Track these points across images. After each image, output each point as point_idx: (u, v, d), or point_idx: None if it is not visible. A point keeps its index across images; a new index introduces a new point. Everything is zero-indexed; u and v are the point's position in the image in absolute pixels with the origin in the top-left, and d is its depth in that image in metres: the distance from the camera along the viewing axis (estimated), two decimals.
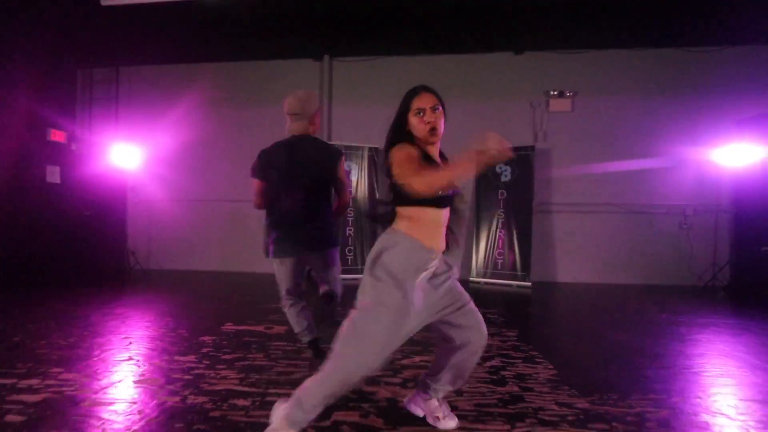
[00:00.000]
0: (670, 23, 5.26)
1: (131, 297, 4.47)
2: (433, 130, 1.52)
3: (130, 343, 2.79)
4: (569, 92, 5.91)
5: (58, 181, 6.40)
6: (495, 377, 2.28)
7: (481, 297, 4.60)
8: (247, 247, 6.44)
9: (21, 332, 2.96)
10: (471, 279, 5.73)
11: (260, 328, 3.19)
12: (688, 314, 3.91)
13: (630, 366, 2.49)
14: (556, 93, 5.91)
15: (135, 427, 1.69)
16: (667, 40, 5.67)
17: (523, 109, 6.02)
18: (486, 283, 5.59)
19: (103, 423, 1.72)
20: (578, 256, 5.91)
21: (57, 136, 6.38)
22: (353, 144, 6.01)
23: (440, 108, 1.55)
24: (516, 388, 2.13)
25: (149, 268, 6.52)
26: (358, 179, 5.95)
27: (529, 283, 5.36)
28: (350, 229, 5.91)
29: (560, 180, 5.95)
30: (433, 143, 1.56)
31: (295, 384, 2.10)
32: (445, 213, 1.55)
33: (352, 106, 6.33)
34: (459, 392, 2.05)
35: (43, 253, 6.02)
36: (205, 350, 2.66)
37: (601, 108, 5.92)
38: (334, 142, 6.05)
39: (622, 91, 5.88)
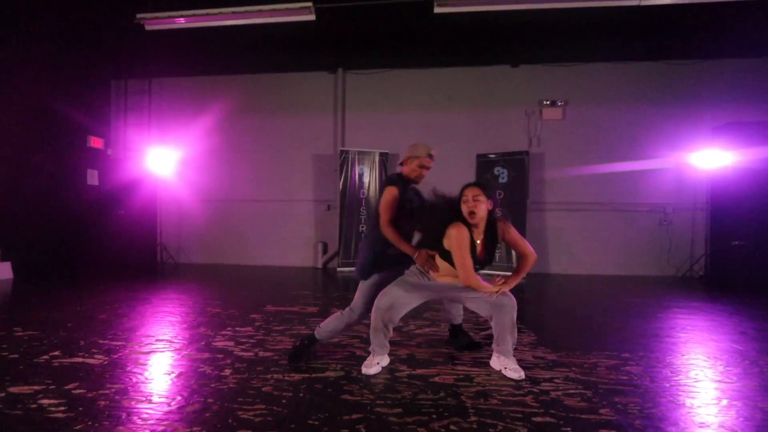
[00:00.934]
0: (653, 39, 5.85)
1: (173, 286, 5.12)
2: (471, 213, 2.21)
3: (199, 322, 3.45)
4: (561, 102, 6.53)
5: (96, 183, 7.09)
6: (488, 342, 2.93)
7: None
8: (266, 242, 7.10)
9: (105, 312, 3.62)
10: None
11: (296, 309, 3.84)
12: (664, 300, 4.55)
13: (598, 336, 3.13)
14: (548, 102, 6.53)
15: (229, 370, 2.34)
16: (650, 53, 6.27)
17: (519, 117, 6.64)
18: (484, 274, 6.21)
19: (202, 362, 2.37)
20: (569, 250, 6.55)
21: (95, 142, 7.06)
22: (365, 149, 6.65)
23: (481, 197, 2.22)
24: None
25: (179, 262, 7.19)
26: (369, 181, 6.59)
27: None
28: (363, 227, 6.56)
29: (552, 181, 6.57)
30: (473, 224, 2.24)
31: (337, 345, 2.77)
32: None
33: (363, 115, 6.96)
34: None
35: (86, 247, 6.71)
36: (257, 324, 3.31)
37: (590, 116, 6.53)
38: (348, 147, 6.69)
39: (609, 100, 6.50)
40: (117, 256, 6.76)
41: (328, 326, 2.52)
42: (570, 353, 2.67)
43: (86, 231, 6.71)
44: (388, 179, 2.57)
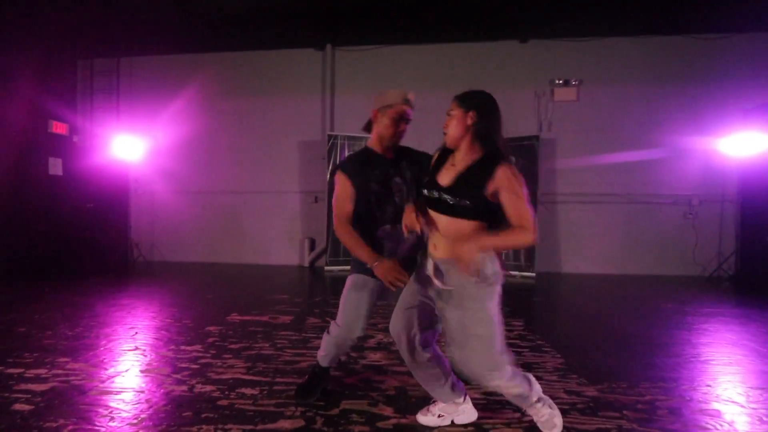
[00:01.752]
0: (676, 10, 5.17)
1: (136, 288, 4.47)
2: (444, 133, 1.55)
3: (136, 333, 2.79)
4: (575, 81, 5.85)
5: (60, 173, 6.39)
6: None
7: None
8: (247, 238, 6.44)
9: (27, 323, 2.97)
10: None
11: (265, 318, 3.18)
12: (694, 304, 3.90)
13: (637, 354, 2.48)
14: (561, 82, 5.84)
15: (143, 416, 1.69)
16: (673, 27, 5.58)
17: (528, 98, 5.95)
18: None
19: (110, 412, 1.72)
20: (583, 246, 5.89)
21: (58, 128, 6.36)
22: (356, 135, 5.97)
23: (455, 110, 1.54)
24: None
25: (152, 260, 6.53)
26: None
27: (533, 274, 5.35)
28: None
29: (565, 170, 5.90)
30: (450, 146, 1.57)
31: (303, 372, 2.11)
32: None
33: (355, 96, 6.27)
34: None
35: (47, 245, 6.03)
36: (211, 340, 2.66)
37: (607, 97, 5.85)
38: (337, 133, 6.01)
39: (629, 79, 5.81)
40: (82, 255, 6.09)
41: (322, 348, 1.91)
42: (613, 385, 2.01)
43: (48, 226, 6.04)
44: (339, 164, 1.85)
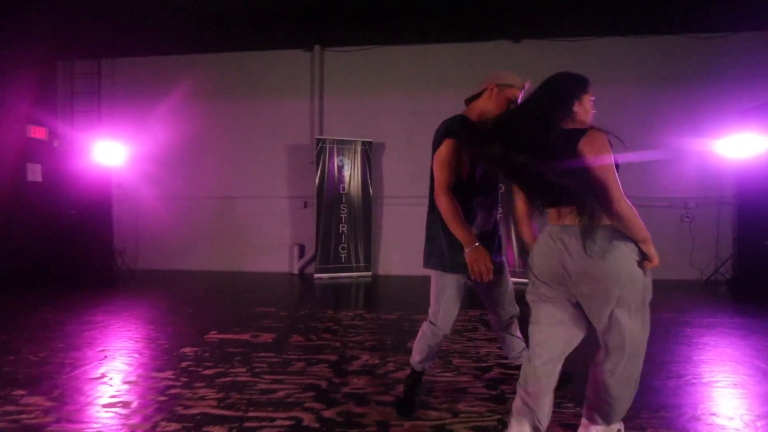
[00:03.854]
0: (671, 8, 5.05)
1: (115, 302, 4.28)
2: None
3: (105, 357, 2.62)
4: None
5: (39, 179, 6.18)
6: (494, 392, 2.13)
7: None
8: (235, 245, 6.26)
9: None
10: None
11: (246, 337, 3.02)
12: (693, 312, 3.79)
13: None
14: None
15: None
16: (669, 26, 5.46)
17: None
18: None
19: None
20: None
21: (37, 132, 6.14)
22: (345, 138, 5.80)
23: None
24: None
25: (137, 268, 6.33)
26: (350, 174, 5.75)
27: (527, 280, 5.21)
28: (344, 227, 5.73)
29: None
30: None
31: (279, 404, 1.96)
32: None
33: (344, 98, 6.10)
34: (455, 412, 1.90)
35: (26, 255, 5.82)
36: (184, 364, 2.49)
37: (601, 98, 5.62)
38: (326, 136, 5.85)
39: (623, 80, 5.68)
40: (64, 265, 5.89)
41: (417, 353, 1.96)
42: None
43: (27, 236, 5.83)
44: (445, 128, 1.77)
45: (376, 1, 5.03)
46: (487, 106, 1.79)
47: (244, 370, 2.40)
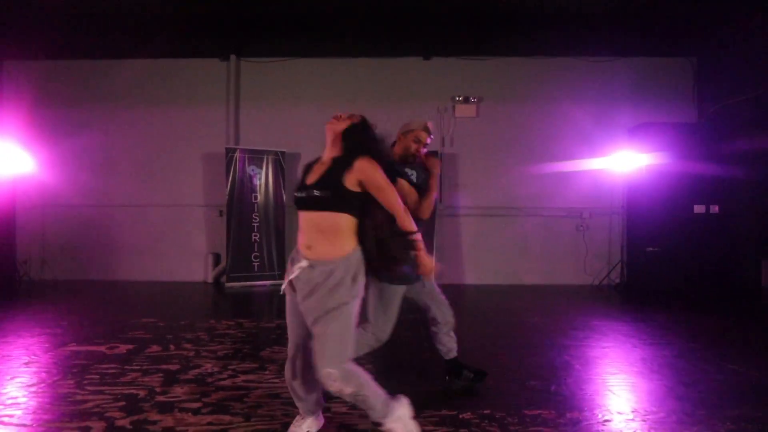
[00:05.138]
0: (568, 34, 5.44)
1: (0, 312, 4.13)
2: None
3: None
4: (474, 98, 6.03)
5: None
6: None
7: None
8: (149, 254, 6.15)
9: None
10: None
11: (102, 348, 3.01)
12: (584, 316, 4.12)
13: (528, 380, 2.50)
14: (460, 99, 6.01)
15: None
16: (567, 49, 5.87)
17: (431, 113, 6.07)
18: None
19: None
20: (484, 258, 6.05)
21: None
22: (258, 148, 5.87)
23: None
24: None
25: (44, 279, 6.10)
26: (262, 183, 5.82)
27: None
28: (256, 236, 5.77)
29: (466, 184, 6.06)
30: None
31: (81, 414, 1.96)
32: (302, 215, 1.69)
33: (260, 108, 6.17)
34: None
35: None
36: (19, 380, 2.47)
37: (505, 114, 6.07)
38: (242, 146, 5.89)
39: (523, 98, 6.06)
40: None
41: (443, 344, 2.36)
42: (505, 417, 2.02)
43: None
44: (394, 171, 2.09)
45: (293, 15, 5.15)
46: (399, 149, 2.23)
47: (72, 382, 2.41)
